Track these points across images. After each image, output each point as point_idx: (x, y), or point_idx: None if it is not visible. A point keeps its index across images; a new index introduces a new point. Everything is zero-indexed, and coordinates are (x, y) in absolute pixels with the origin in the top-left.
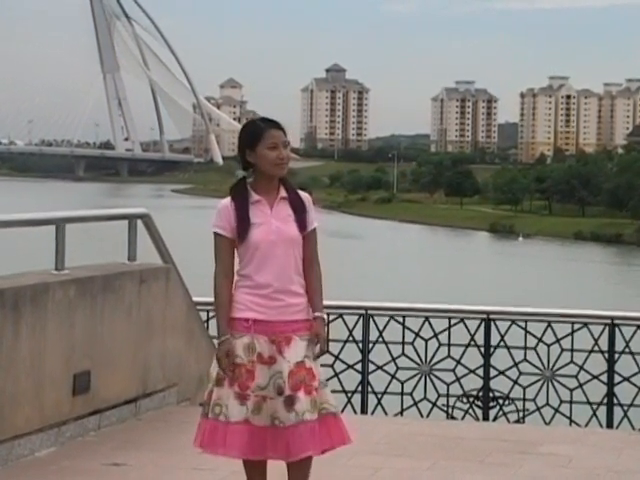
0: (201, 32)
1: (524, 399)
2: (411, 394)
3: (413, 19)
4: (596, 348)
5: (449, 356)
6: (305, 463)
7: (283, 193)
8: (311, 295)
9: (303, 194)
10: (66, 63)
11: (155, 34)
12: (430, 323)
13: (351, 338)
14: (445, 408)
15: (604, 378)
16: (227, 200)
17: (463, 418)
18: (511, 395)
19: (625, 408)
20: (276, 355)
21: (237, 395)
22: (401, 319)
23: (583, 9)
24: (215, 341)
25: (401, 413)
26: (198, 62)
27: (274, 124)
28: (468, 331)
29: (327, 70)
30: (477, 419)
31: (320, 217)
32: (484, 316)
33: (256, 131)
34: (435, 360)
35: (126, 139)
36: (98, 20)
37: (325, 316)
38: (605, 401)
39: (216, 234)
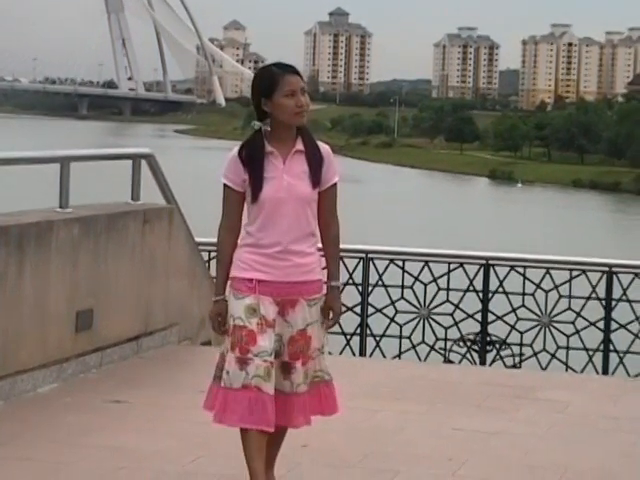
0: None
1: (521, 344)
2: (409, 337)
3: None
4: (594, 295)
5: (448, 300)
6: (283, 430)
7: (300, 146)
8: (326, 260)
9: (323, 147)
10: (70, 1)
11: None
12: (429, 268)
13: (351, 281)
14: (443, 352)
15: (601, 325)
16: (236, 150)
17: (460, 362)
18: (508, 340)
19: (621, 355)
20: (279, 318)
21: (237, 360)
22: (401, 263)
23: None
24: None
25: (399, 356)
26: (202, 3)
27: (290, 69)
28: (467, 276)
29: (330, 14)
30: (474, 363)
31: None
32: (483, 262)
33: (271, 78)
34: (434, 304)
35: (129, 79)
36: None
37: (341, 285)
38: (601, 348)
39: (225, 186)
